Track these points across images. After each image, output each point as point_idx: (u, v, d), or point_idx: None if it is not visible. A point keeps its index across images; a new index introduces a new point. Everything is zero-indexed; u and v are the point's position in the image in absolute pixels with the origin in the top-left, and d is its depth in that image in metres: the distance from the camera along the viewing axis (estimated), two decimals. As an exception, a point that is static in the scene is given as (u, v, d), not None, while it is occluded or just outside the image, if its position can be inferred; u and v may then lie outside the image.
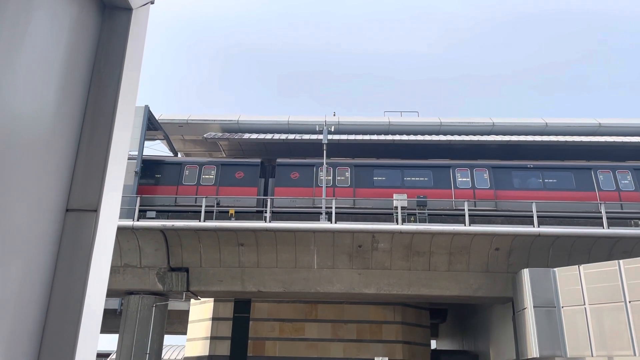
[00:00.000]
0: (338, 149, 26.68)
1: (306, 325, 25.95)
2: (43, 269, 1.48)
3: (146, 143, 25.75)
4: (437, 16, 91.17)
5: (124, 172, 1.80)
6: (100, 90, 1.77)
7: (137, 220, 21.44)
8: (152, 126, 26.20)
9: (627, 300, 17.64)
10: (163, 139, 28.62)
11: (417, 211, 22.70)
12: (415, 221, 22.26)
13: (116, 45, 1.81)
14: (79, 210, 1.61)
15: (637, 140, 26.14)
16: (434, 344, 36.27)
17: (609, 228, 20.91)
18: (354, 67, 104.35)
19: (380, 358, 17.13)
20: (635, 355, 17.01)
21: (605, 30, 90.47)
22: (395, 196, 22.20)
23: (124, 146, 1.77)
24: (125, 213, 21.73)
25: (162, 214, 23.16)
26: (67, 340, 1.45)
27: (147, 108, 24.68)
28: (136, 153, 23.96)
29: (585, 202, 22.92)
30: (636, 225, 22.23)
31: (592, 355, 17.85)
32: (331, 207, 21.84)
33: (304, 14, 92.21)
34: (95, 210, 1.61)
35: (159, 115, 27.60)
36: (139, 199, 21.90)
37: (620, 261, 18.27)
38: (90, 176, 1.64)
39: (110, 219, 1.66)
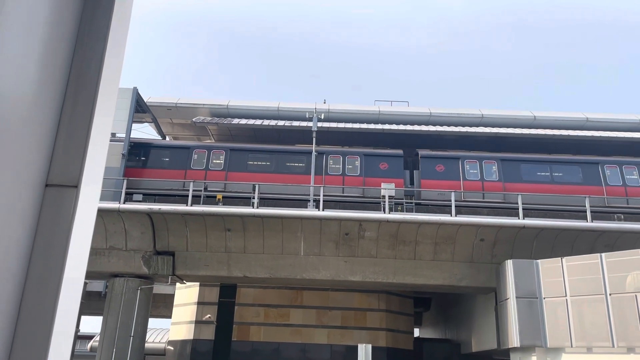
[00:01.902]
0: (328, 137, 26.64)
1: (291, 311, 26.08)
2: (21, 244, 1.45)
3: (134, 126, 25.50)
4: (432, 10, 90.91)
5: (106, 148, 1.76)
6: (83, 64, 1.72)
7: (124, 203, 21.28)
8: (140, 108, 25.90)
9: (608, 292, 17.93)
10: (151, 122, 28.34)
11: (404, 201, 22.79)
12: (402, 210, 22.36)
13: (100, 16, 1.76)
14: (59, 186, 1.57)
15: (623, 135, 26.50)
16: (417, 332, 36.68)
17: (592, 221, 21.17)
18: (347, 59, 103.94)
19: (364, 345, 17.25)
20: (613, 346, 17.32)
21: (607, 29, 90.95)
22: (383, 185, 22.28)
23: (107, 122, 1.73)
24: (111, 195, 21.55)
25: (149, 197, 23.00)
26: (44, 319, 1.43)
27: (135, 90, 24.39)
28: (124, 135, 23.74)
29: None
30: (619, 219, 22.54)
31: (571, 346, 18.16)
32: (319, 195, 21.85)
33: (301, 3, 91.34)
34: (76, 186, 1.57)
35: (147, 97, 27.28)
36: (125, 181, 21.73)
37: (602, 254, 18.53)
38: (71, 151, 1.60)
39: (91, 195, 1.63)
